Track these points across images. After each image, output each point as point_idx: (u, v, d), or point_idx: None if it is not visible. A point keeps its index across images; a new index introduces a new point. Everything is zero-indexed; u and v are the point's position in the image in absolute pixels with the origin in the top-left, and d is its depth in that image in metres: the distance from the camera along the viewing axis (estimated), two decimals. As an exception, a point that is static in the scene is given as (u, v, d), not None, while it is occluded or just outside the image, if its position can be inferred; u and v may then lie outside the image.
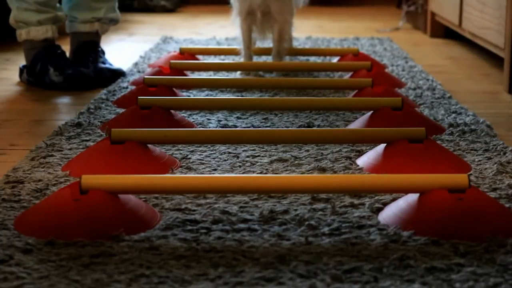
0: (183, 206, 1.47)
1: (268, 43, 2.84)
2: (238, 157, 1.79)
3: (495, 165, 1.72)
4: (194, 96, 2.43)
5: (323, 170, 1.70)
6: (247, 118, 2.14)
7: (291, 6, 2.74)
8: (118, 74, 2.67)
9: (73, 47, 2.72)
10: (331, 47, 3.36)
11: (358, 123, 2.02)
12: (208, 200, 1.50)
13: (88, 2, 2.69)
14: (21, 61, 2.74)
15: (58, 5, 2.60)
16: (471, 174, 1.67)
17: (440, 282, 1.16)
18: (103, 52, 2.75)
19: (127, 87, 2.51)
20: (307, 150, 1.84)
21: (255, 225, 1.38)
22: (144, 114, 1.97)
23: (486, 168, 1.71)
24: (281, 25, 2.68)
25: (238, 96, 2.42)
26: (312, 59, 3.03)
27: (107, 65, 2.69)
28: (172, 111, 2.02)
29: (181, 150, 1.84)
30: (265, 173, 1.68)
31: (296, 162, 1.75)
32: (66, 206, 1.35)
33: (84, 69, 2.54)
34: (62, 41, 2.95)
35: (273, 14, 2.65)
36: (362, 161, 1.75)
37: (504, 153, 1.81)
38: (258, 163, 1.74)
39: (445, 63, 3.12)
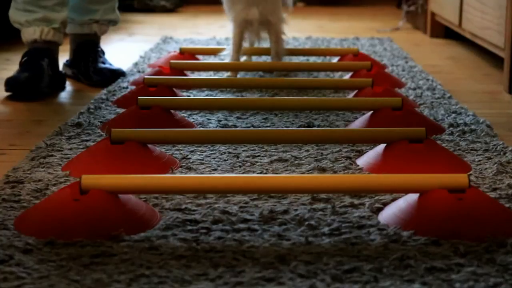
0: (183, 206, 1.47)
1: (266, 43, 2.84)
2: (238, 157, 1.79)
3: (495, 165, 1.72)
4: (194, 96, 2.43)
5: (323, 170, 1.70)
6: (247, 118, 2.14)
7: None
8: (118, 74, 2.66)
9: (72, 48, 2.72)
10: (331, 47, 3.36)
11: (358, 123, 2.02)
12: (208, 200, 1.50)
13: (84, 4, 2.67)
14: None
15: (57, 7, 2.55)
16: (471, 174, 1.67)
17: (440, 282, 1.16)
18: (103, 52, 2.74)
19: (127, 87, 2.51)
20: (307, 150, 1.84)
21: (255, 225, 1.38)
22: (144, 114, 1.97)
23: (486, 168, 1.71)
24: (276, 27, 2.65)
25: (238, 96, 2.42)
26: (312, 59, 3.03)
27: (107, 65, 2.68)
28: (172, 111, 2.02)
29: (181, 150, 1.84)
30: (265, 173, 1.68)
31: (296, 162, 1.75)
32: (66, 206, 1.35)
33: (21, 75, 2.43)
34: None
35: (270, 21, 2.60)
36: (362, 161, 1.75)
37: (504, 153, 1.81)
38: (258, 163, 1.74)
39: (445, 63, 3.12)
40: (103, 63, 2.68)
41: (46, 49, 2.52)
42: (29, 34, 2.50)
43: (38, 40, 2.50)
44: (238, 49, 2.65)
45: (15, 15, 2.52)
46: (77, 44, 2.70)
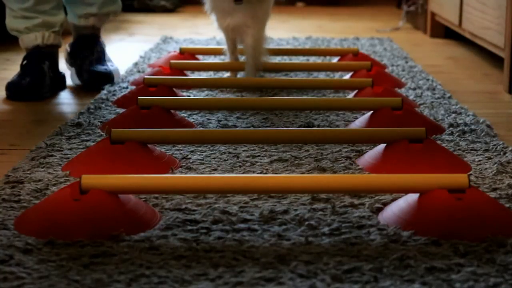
0: (183, 206, 1.47)
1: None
2: (238, 157, 1.79)
3: (495, 165, 1.72)
4: (194, 96, 2.43)
5: (323, 170, 1.70)
6: (247, 118, 2.14)
7: (267, 13, 2.55)
8: (105, 78, 2.56)
9: (73, 38, 2.68)
10: (331, 47, 3.36)
11: (358, 123, 2.02)
12: (208, 200, 1.50)
13: None
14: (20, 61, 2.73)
15: (55, 10, 2.52)
16: (471, 174, 1.67)
17: (440, 282, 1.16)
18: (102, 47, 2.65)
19: (127, 87, 2.51)
20: (307, 150, 1.84)
21: (255, 225, 1.38)
22: (144, 114, 1.97)
23: (486, 168, 1.71)
24: (254, 36, 2.49)
25: (238, 96, 2.42)
26: (312, 59, 3.03)
27: (99, 67, 2.59)
28: (172, 111, 2.02)
29: (181, 150, 1.84)
30: (265, 173, 1.68)
31: (296, 162, 1.75)
32: (66, 206, 1.35)
33: (22, 80, 2.42)
34: (64, 37, 2.93)
35: (248, 27, 2.47)
36: (362, 161, 1.75)
37: (504, 153, 1.81)
38: (258, 163, 1.74)
39: (445, 63, 3.12)
40: (100, 61, 2.61)
41: (46, 52, 2.51)
42: (30, 40, 2.48)
43: (41, 45, 2.49)
44: (233, 50, 2.59)
45: (13, 23, 2.49)
46: (76, 36, 2.64)
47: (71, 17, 2.65)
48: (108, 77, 2.59)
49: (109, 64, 2.66)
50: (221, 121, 2.10)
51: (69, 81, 2.64)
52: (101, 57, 2.65)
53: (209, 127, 2.05)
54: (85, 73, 2.57)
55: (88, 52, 2.61)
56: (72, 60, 2.66)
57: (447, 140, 1.93)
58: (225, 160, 1.77)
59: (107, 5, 2.63)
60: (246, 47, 2.51)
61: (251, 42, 2.49)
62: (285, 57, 3.02)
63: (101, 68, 2.60)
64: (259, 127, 2.05)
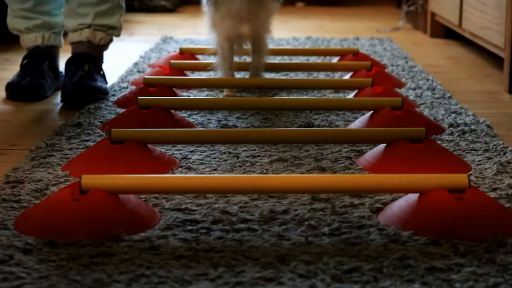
0: (183, 206, 1.47)
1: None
2: (238, 157, 1.79)
3: (495, 165, 1.72)
4: (194, 96, 2.43)
5: (323, 170, 1.70)
6: (247, 118, 2.14)
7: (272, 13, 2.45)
8: (92, 91, 2.33)
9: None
10: (331, 47, 3.36)
11: (358, 123, 2.02)
12: (208, 200, 1.50)
13: (74, 8, 2.41)
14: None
15: (55, 11, 2.50)
16: (471, 174, 1.67)
17: (440, 282, 1.16)
18: (101, 66, 2.46)
19: (127, 87, 2.51)
20: (307, 150, 1.84)
21: (255, 225, 1.38)
22: (144, 114, 1.97)
23: (486, 168, 1.71)
24: (264, 42, 2.45)
25: (238, 96, 2.42)
26: (312, 59, 3.03)
27: (88, 82, 2.35)
28: (172, 111, 2.02)
29: (181, 150, 1.84)
30: (265, 173, 1.68)
31: (296, 162, 1.75)
32: (66, 206, 1.35)
33: (22, 80, 2.40)
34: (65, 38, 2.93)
35: (259, 35, 2.42)
36: (362, 161, 1.75)
37: (504, 153, 1.81)
38: (258, 163, 1.74)
39: (445, 63, 3.12)
40: (91, 77, 2.36)
41: (46, 52, 2.50)
42: (30, 40, 2.48)
43: (41, 46, 2.48)
44: (231, 65, 2.41)
45: (14, 22, 2.49)
46: (71, 55, 2.44)
47: (68, 37, 2.46)
48: (97, 90, 2.35)
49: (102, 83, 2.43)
50: (221, 121, 2.10)
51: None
52: (94, 74, 2.40)
53: (209, 127, 2.05)
54: (69, 85, 2.32)
55: (78, 67, 2.37)
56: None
57: (447, 140, 1.93)
58: (225, 160, 1.77)
59: (103, 16, 2.43)
60: (256, 48, 2.46)
61: (262, 43, 2.46)
62: (285, 57, 3.02)
63: (91, 82, 2.36)
64: (259, 127, 2.05)
